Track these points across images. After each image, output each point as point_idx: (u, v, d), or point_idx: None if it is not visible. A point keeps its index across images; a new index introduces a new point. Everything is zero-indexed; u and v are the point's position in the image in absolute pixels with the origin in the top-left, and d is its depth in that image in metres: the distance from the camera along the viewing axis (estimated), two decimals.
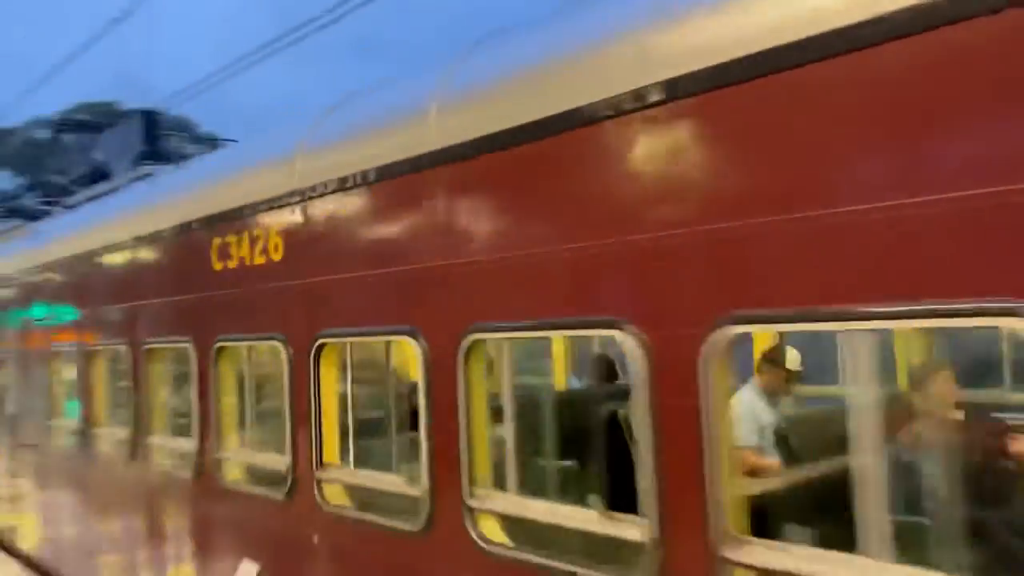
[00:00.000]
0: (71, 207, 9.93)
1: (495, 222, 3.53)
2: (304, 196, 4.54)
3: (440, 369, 3.66)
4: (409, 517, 3.91)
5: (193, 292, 5.74)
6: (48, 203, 11.31)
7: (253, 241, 5.02)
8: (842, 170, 2.34)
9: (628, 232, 2.90)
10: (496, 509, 3.53)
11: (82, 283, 7.56)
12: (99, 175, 9.90)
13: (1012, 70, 1.95)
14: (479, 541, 3.52)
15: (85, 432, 7.28)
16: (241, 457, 5.39)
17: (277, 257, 4.83)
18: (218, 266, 5.40)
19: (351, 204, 4.29)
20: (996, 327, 2.32)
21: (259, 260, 4.96)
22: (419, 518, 3.83)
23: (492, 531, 3.54)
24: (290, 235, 4.71)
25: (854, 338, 2.42)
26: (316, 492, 4.42)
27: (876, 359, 2.51)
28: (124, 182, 8.82)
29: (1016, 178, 1.98)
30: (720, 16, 2.83)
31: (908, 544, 2.75)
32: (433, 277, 3.72)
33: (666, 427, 2.89)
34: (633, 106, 3.00)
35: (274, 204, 4.83)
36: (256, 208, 4.95)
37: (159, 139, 9.90)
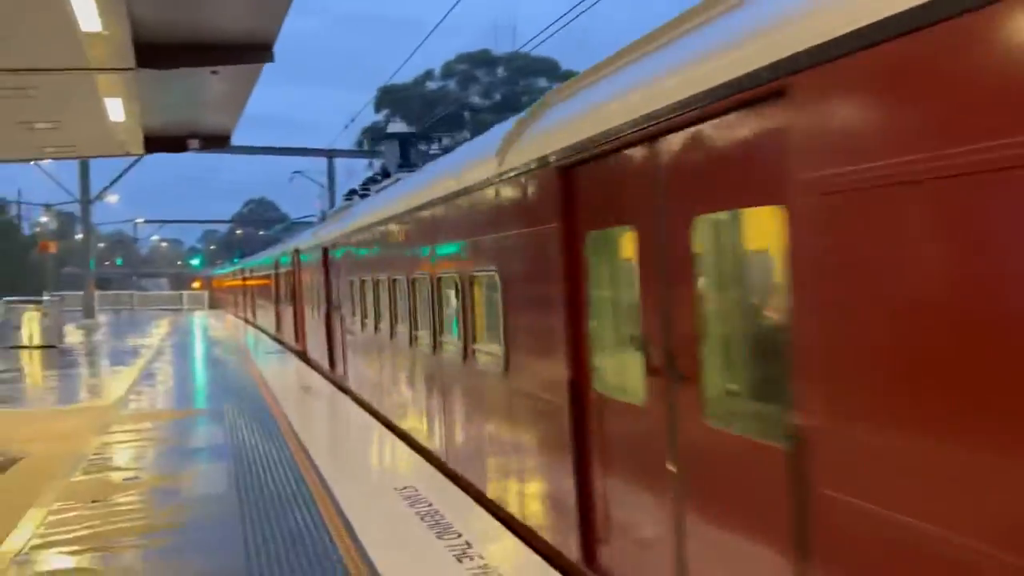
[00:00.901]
0: (379, 190, 15.25)
1: None
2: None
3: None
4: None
5: (499, 232, 6.80)
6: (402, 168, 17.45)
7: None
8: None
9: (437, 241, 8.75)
10: None
11: (423, 228, 9.37)
12: (385, 174, 16.94)
13: None
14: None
15: (437, 339, 9.03)
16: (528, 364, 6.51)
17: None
18: (504, 212, 6.82)
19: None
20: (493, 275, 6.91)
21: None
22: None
23: None
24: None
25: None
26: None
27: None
28: (392, 181, 14.88)
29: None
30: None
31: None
32: None
33: (464, 302, 7.65)
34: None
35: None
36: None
37: (410, 155, 17.59)
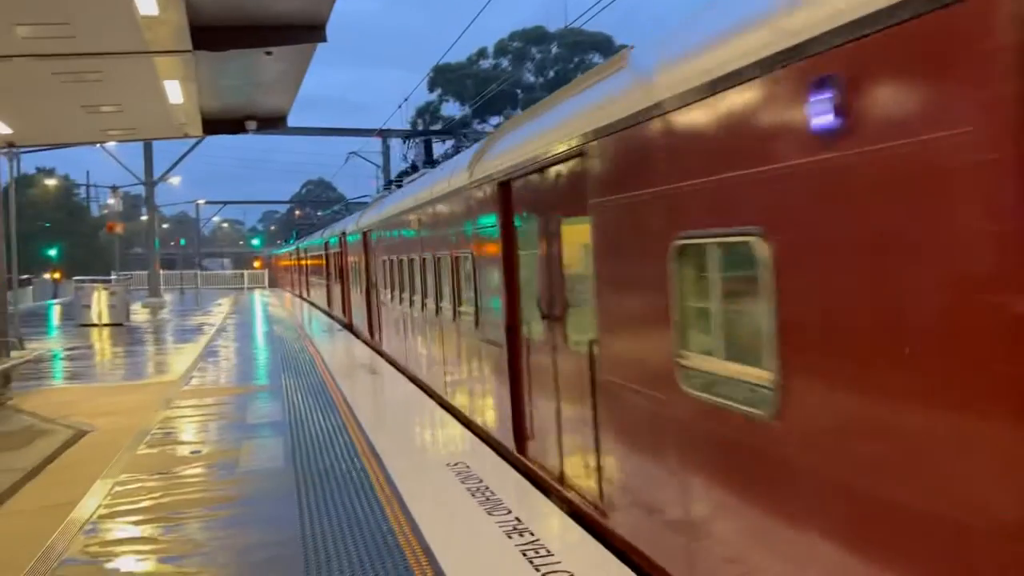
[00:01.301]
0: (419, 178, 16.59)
1: None
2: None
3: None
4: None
5: (471, 224, 9.50)
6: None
7: None
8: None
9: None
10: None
11: (425, 220, 12.32)
12: (415, 169, 18.80)
13: None
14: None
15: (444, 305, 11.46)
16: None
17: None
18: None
19: None
20: (468, 256, 9.70)
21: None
22: None
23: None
24: None
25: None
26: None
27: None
28: (418, 175, 16.56)
29: None
30: None
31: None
32: None
33: (452, 277, 10.51)
34: None
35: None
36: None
37: (432, 153, 19.62)
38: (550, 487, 7.11)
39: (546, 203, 7.06)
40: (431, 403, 11.73)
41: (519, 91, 75.44)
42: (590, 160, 5.81)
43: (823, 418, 3.43)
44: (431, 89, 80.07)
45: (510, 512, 6.50)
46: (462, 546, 5.97)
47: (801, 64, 3.40)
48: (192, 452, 9.38)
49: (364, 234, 19.78)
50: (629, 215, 5.24)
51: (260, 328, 28.84)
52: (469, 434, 9.49)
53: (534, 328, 7.53)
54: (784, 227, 3.61)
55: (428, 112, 79.30)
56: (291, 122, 18.16)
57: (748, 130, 3.86)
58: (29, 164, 67.02)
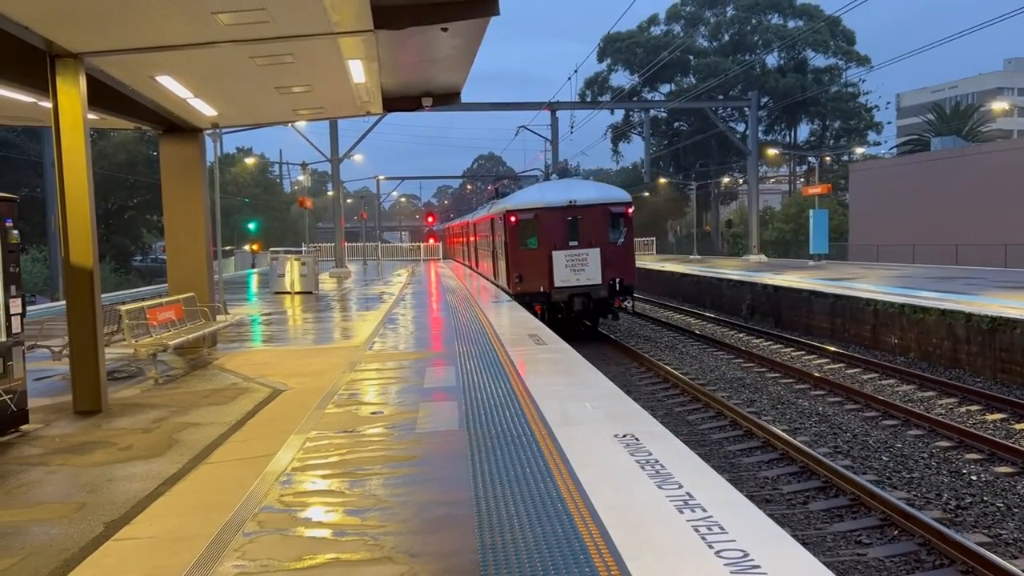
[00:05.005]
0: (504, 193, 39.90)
1: None
2: None
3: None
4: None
5: (485, 227, 37.19)
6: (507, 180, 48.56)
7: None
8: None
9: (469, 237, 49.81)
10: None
11: (483, 224, 38.74)
12: (499, 195, 39.02)
13: None
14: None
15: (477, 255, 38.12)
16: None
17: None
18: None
19: None
20: (491, 238, 37.32)
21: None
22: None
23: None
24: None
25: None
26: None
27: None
28: (495, 200, 39.55)
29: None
30: None
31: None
32: None
33: (488, 243, 37.61)
34: None
35: None
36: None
37: (501, 189, 42.74)
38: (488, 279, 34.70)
39: (496, 227, 31.26)
40: (604, 378, 11.74)
41: (691, 57, 73.01)
42: (498, 220, 30.79)
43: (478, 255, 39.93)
44: (600, 59, 79.05)
45: (681, 487, 6.40)
46: (633, 519, 5.95)
47: (501, 213, 29.60)
48: (374, 413, 9.92)
49: (474, 223, 41.99)
50: (484, 234, 36.28)
51: (435, 297, 30.00)
52: (639, 408, 9.43)
53: (490, 256, 34.02)
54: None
55: (596, 83, 78.51)
56: (467, 98, 18.60)
57: (496, 224, 31.11)
58: (230, 145, 72.95)
